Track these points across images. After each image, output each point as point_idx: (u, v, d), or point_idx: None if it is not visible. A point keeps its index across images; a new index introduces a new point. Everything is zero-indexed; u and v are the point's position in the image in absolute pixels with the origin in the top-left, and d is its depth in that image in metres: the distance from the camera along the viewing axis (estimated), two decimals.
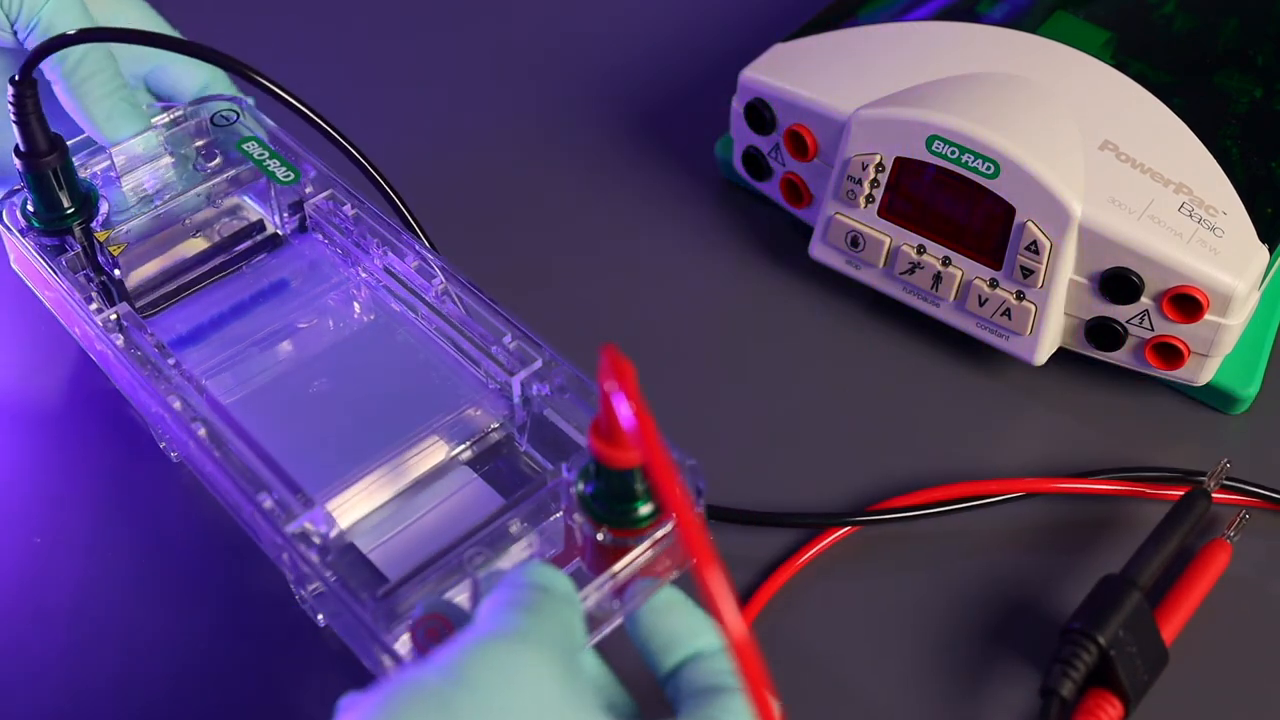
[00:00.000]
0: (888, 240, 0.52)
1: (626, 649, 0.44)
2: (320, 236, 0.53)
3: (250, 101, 0.54)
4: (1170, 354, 0.49)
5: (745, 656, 0.31)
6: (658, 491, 0.34)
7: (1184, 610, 0.45)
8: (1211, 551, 0.47)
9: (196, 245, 0.53)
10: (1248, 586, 0.47)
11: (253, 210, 0.54)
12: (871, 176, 0.51)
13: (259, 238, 0.54)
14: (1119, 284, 0.48)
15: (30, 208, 0.49)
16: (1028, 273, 0.49)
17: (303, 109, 0.52)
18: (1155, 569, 0.44)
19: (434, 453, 0.47)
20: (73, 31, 0.47)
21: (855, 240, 0.53)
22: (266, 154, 0.52)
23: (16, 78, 0.46)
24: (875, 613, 0.46)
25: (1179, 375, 0.50)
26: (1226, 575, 0.46)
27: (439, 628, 0.40)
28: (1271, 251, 0.48)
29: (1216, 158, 0.49)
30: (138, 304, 0.51)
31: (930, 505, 0.48)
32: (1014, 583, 0.47)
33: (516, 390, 0.46)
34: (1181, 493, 0.47)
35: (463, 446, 0.47)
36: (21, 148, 0.48)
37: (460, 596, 0.41)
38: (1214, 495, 0.47)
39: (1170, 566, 0.45)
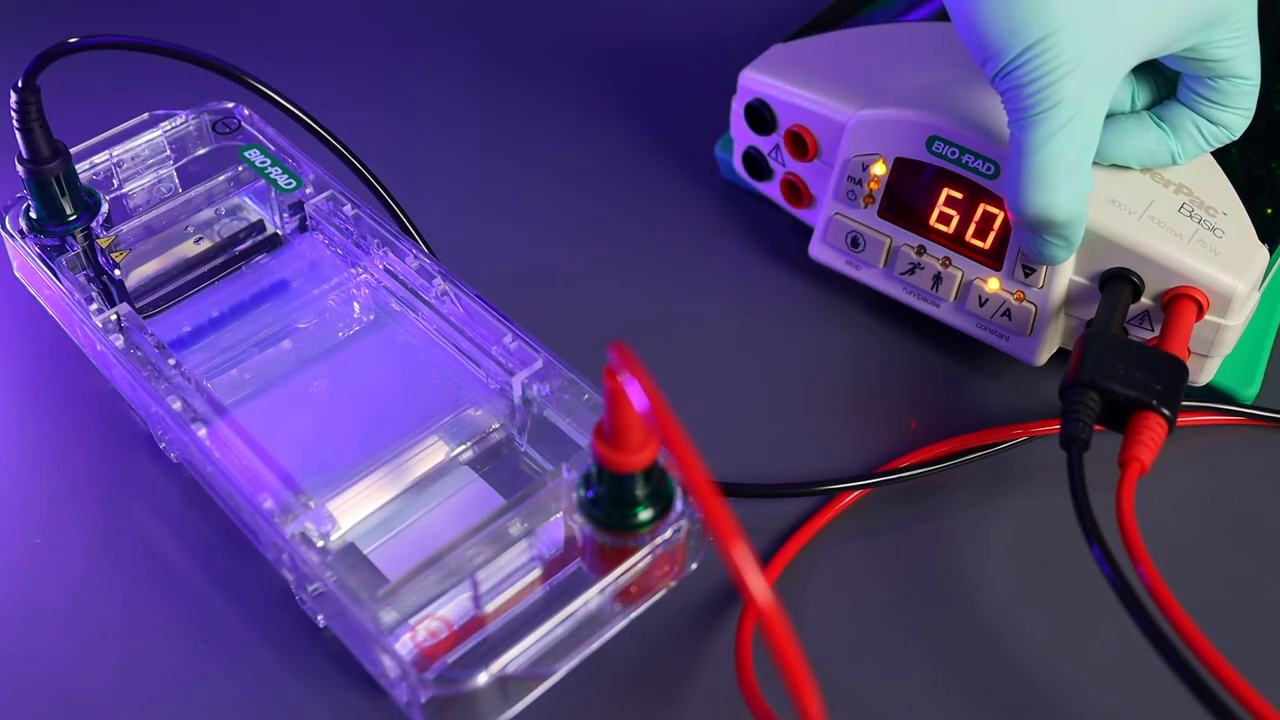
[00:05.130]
0: (888, 240, 0.52)
1: (628, 649, 0.44)
2: (320, 237, 0.53)
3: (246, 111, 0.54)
4: None
5: (777, 631, 0.30)
6: (679, 470, 0.33)
7: (1183, 325, 0.46)
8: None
9: (196, 246, 0.53)
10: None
11: (253, 210, 0.54)
12: (871, 176, 0.51)
13: (259, 238, 0.54)
14: (1119, 284, 0.48)
15: (33, 214, 0.50)
16: (1028, 273, 0.49)
17: (302, 116, 0.52)
18: (1120, 315, 0.46)
19: (434, 453, 0.47)
20: (74, 40, 0.46)
21: (855, 240, 0.53)
22: (268, 161, 0.52)
23: (19, 84, 0.46)
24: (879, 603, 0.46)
25: None
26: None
27: (439, 627, 0.41)
28: (1271, 252, 0.48)
29: (1216, 158, 0.49)
30: (138, 304, 0.51)
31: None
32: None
33: (517, 390, 0.47)
34: None
35: (463, 447, 0.47)
36: (24, 154, 0.48)
37: (461, 596, 0.41)
38: None
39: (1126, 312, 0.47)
